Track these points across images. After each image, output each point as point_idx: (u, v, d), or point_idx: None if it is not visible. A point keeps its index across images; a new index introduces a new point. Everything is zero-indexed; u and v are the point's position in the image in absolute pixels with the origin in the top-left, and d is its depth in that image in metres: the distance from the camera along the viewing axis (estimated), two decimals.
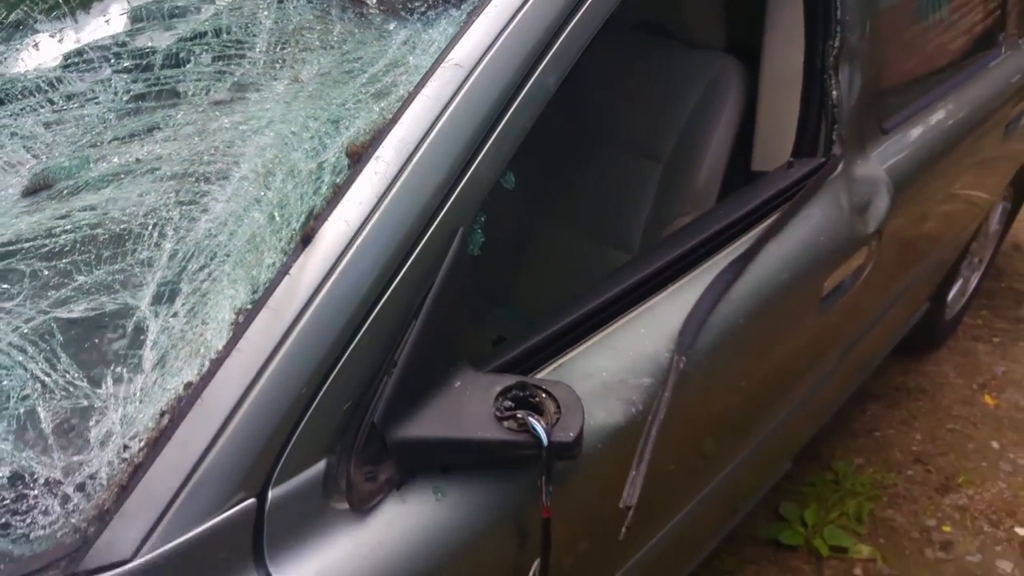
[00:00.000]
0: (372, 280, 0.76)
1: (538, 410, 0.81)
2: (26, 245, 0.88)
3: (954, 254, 2.20)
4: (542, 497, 0.81)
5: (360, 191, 0.78)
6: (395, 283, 0.78)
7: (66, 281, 0.84)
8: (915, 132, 1.58)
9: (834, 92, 1.35)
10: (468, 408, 0.81)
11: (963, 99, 1.74)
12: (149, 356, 0.77)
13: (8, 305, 0.83)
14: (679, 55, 1.57)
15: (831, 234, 1.30)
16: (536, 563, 0.88)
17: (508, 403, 0.81)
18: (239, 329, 0.74)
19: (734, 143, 1.50)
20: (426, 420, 0.79)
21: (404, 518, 0.80)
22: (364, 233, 0.77)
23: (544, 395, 0.82)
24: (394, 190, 0.78)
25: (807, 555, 1.97)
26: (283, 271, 0.76)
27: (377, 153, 0.80)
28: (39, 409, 0.75)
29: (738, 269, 1.13)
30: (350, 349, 0.76)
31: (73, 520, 0.68)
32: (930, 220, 1.76)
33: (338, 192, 0.79)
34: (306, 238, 0.77)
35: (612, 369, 0.99)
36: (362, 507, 0.78)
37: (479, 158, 0.83)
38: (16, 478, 0.71)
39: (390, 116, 0.83)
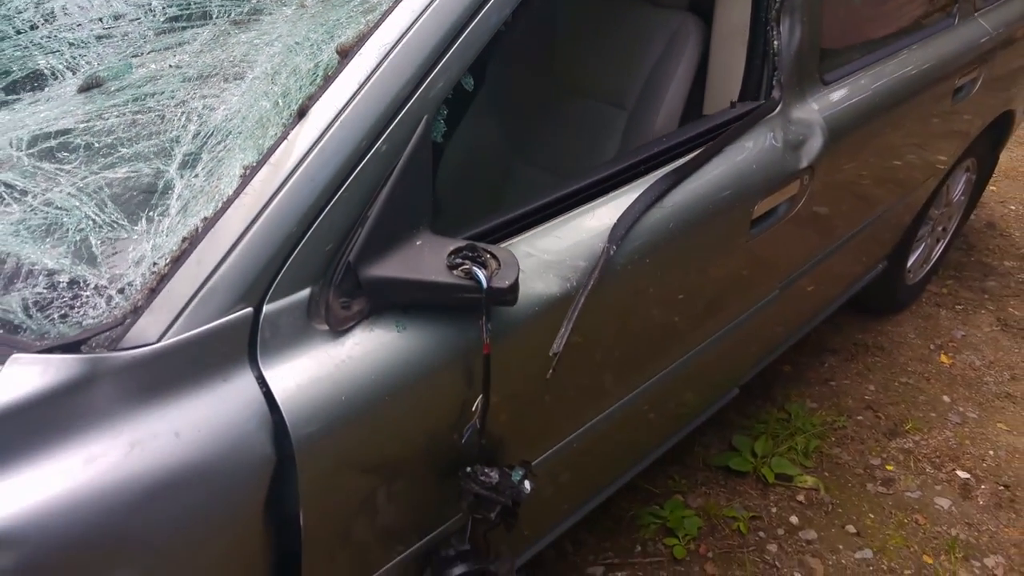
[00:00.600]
0: (352, 147, 0.97)
1: (483, 266, 1.01)
2: (83, 126, 1.10)
3: (907, 216, 2.37)
4: (482, 334, 1.02)
5: (346, 79, 0.99)
6: (371, 153, 0.98)
7: (113, 151, 1.06)
8: (855, 86, 1.76)
9: (775, 42, 1.55)
10: (425, 259, 1.01)
11: (907, 61, 1.92)
12: (175, 204, 0.98)
13: (70, 167, 1.04)
14: (645, 13, 1.77)
15: (763, 163, 1.50)
16: (479, 399, 1.08)
17: (458, 260, 1.02)
18: (245, 180, 0.95)
19: (690, 91, 1.69)
20: (391, 264, 0.99)
21: (370, 342, 1.00)
22: (347, 111, 0.97)
23: (488, 255, 1.03)
24: (373, 79, 0.99)
25: (755, 482, 2.16)
26: (282, 138, 0.97)
27: (361, 51, 1.01)
28: (91, 238, 0.96)
29: (673, 181, 1.33)
30: (333, 201, 0.96)
31: (115, 313, 0.89)
32: (869, 171, 1.94)
33: (328, 80, 1.00)
34: (301, 112, 0.98)
35: (553, 251, 1.19)
36: (337, 329, 0.99)
37: (444, 59, 1.03)
38: (73, 283, 0.92)
39: (373, 24, 1.03)
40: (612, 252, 1.22)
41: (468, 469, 1.13)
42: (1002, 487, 2.20)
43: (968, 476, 2.24)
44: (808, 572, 1.91)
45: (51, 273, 0.93)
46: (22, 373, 0.81)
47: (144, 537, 0.84)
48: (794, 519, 2.05)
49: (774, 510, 2.08)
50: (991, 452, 2.33)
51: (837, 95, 1.73)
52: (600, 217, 1.27)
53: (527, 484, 1.15)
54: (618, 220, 1.25)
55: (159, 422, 0.86)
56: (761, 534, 2.00)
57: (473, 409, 1.09)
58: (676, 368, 1.57)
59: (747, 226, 1.51)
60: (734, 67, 1.62)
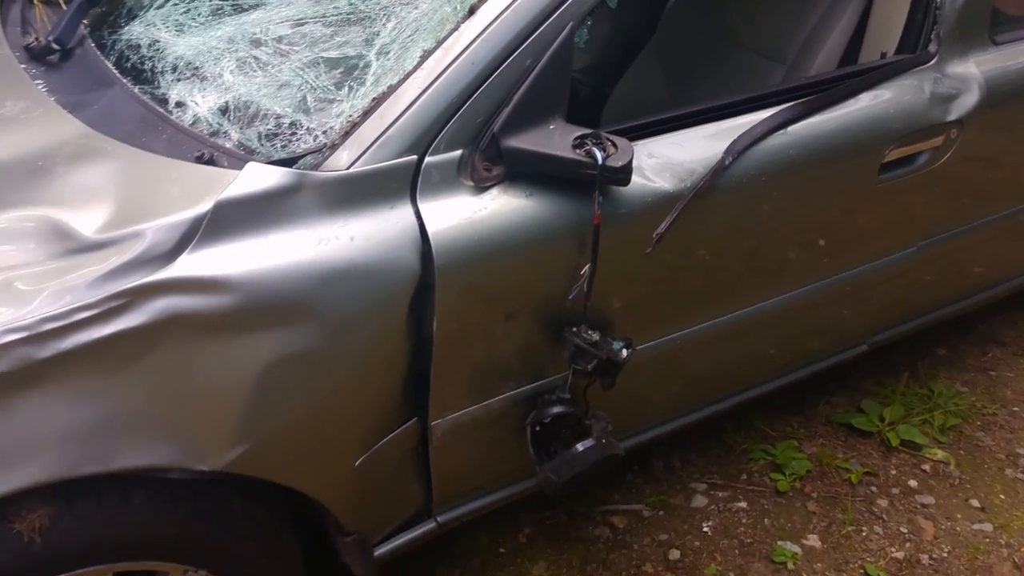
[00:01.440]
0: (508, 41, 1.21)
1: (602, 149, 1.22)
2: (311, 20, 1.43)
3: None
4: (594, 206, 1.23)
5: None
6: (522, 47, 1.22)
7: (329, 38, 1.38)
8: None
9: None
10: (555, 139, 1.24)
11: None
12: (370, 77, 1.28)
13: (297, 48, 1.38)
14: None
15: (903, 110, 1.56)
16: (588, 266, 1.29)
17: (582, 142, 1.23)
18: (422, 60, 1.22)
19: (848, 46, 1.77)
20: (526, 138, 1.23)
21: (503, 201, 1.25)
22: (508, 11, 1.22)
23: (609, 142, 1.23)
24: None
25: (878, 444, 2.17)
26: (454, 29, 1.23)
27: None
28: (308, 97, 1.28)
29: (799, 111, 1.45)
30: (487, 82, 1.21)
31: (318, 146, 1.20)
32: None
33: None
34: (472, 10, 1.23)
35: (674, 157, 1.37)
36: (479, 186, 1.24)
37: None
38: (292, 124, 1.25)
39: None
40: (727, 163, 1.37)
41: (573, 328, 1.35)
42: None
43: None
44: (917, 530, 1.93)
45: (278, 117, 1.26)
46: (255, 175, 1.13)
47: (322, 308, 1.15)
48: (913, 483, 2.06)
49: (893, 472, 2.10)
50: None
51: (1007, 57, 1.73)
52: (722, 136, 1.42)
53: (624, 351, 1.35)
54: (739, 137, 1.40)
55: (342, 228, 1.16)
56: (873, 488, 2.04)
57: (581, 273, 1.30)
58: (790, 299, 1.67)
59: (875, 170, 1.58)
60: (895, 21, 1.68)
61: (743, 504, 1.97)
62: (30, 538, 1.10)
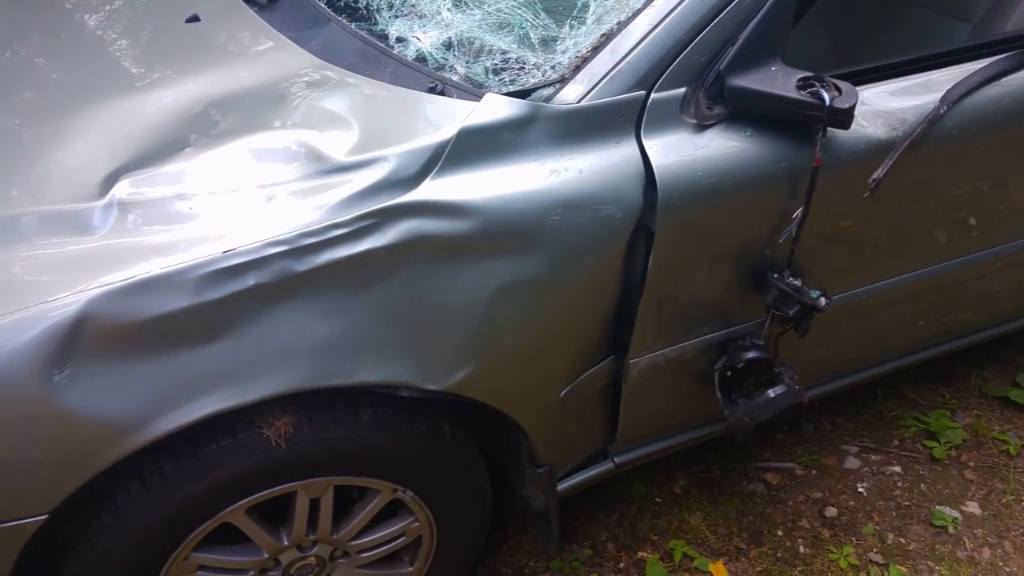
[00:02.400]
0: None
1: (828, 91, 1.21)
2: None
3: None
4: (816, 148, 1.22)
5: None
6: None
7: None
8: None
9: None
10: (778, 80, 1.23)
11: None
12: (591, 15, 1.29)
13: None
14: None
15: None
16: (800, 210, 1.29)
17: (806, 83, 1.22)
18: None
19: None
20: (751, 78, 1.23)
21: (724, 140, 1.25)
22: None
23: (832, 85, 1.22)
24: None
25: None
26: None
27: None
28: (530, 34, 1.31)
29: (1018, 61, 1.41)
30: (715, 21, 1.21)
31: (549, 81, 1.23)
32: None
33: None
34: None
35: (886, 105, 1.35)
36: (701, 124, 1.25)
37: None
38: (519, 60, 1.28)
39: None
40: (942, 111, 1.35)
41: (776, 273, 1.35)
42: None
43: None
44: None
45: (503, 52, 1.29)
46: (494, 105, 1.16)
47: (549, 238, 1.18)
48: (1009, 431, 2.01)
49: (982, 419, 2.05)
50: None
51: None
52: (933, 87, 1.40)
53: (822, 299, 1.34)
54: (954, 85, 1.37)
55: (570, 161, 1.19)
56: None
57: (793, 217, 1.30)
58: (968, 263, 1.63)
59: None
60: None
61: (897, 468, 1.95)
62: (276, 443, 1.17)
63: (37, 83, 1.41)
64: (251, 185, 1.13)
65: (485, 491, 1.45)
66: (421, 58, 1.33)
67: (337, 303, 1.12)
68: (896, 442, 2.02)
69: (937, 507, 1.86)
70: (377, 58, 1.35)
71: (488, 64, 1.28)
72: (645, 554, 1.75)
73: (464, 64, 1.29)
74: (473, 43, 1.32)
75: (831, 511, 1.84)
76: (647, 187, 1.21)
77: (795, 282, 1.34)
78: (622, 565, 1.74)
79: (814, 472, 1.94)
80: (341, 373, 1.15)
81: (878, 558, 1.74)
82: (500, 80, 1.26)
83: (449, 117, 1.17)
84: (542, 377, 1.31)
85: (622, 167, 1.21)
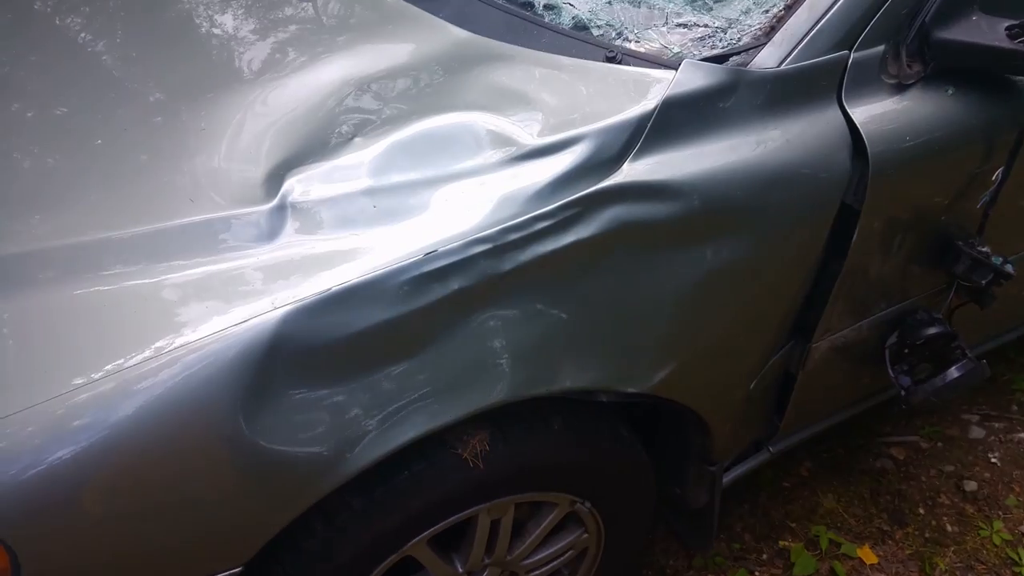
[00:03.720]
0: None
1: None
2: None
3: None
4: None
5: None
6: None
7: None
8: None
9: None
10: (983, 29, 1.12)
11: None
12: None
13: None
14: None
15: None
16: (1000, 170, 1.20)
17: (1015, 32, 1.12)
18: None
19: None
20: (957, 30, 1.12)
21: (924, 99, 1.15)
22: None
23: None
24: None
25: None
26: None
27: None
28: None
29: None
30: None
31: (742, 46, 1.10)
32: None
33: None
34: None
35: None
36: (901, 82, 1.14)
37: None
38: (700, 25, 1.15)
39: None
40: None
41: (965, 242, 1.26)
42: None
43: None
44: None
45: (678, 15, 1.17)
46: (692, 72, 1.04)
47: (758, 216, 1.07)
48: None
49: None
50: None
51: None
52: None
53: (1008, 266, 1.26)
54: None
55: (775, 130, 1.07)
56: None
57: (993, 179, 1.20)
58: None
59: None
60: None
61: (1023, 435, 1.90)
62: (473, 464, 1.05)
63: (159, 82, 1.24)
64: (438, 176, 0.99)
65: (652, 494, 1.35)
66: (580, 26, 1.19)
67: (541, 304, 1.00)
68: (1015, 407, 1.96)
69: None
70: (529, 29, 1.20)
71: (663, 29, 1.16)
72: (786, 543, 1.67)
73: (635, 31, 1.16)
74: (639, 6, 1.19)
75: (970, 485, 1.77)
76: (856, 154, 1.10)
77: (985, 249, 1.25)
78: (765, 556, 1.65)
79: (939, 444, 1.87)
80: (544, 381, 1.03)
81: None
82: (683, 47, 1.13)
83: (642, 89, 1.05)
84: (737, 370, 1.21)
85: (829, 135, 1.09)
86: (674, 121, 1.03)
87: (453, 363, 0.97)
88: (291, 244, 0.94)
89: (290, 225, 0.95)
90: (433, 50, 1.16)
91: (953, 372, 1.31)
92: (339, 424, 0.91)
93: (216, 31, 1.33)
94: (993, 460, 1.83)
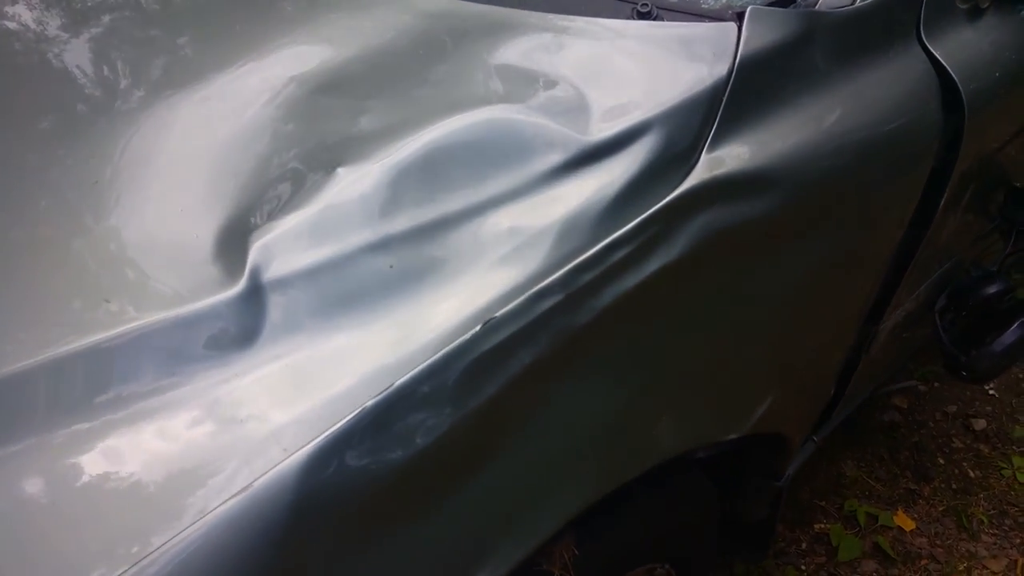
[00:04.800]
0: None
1: None
2: None
3: None
4: None
5: None
6: None
7: None
8: None
9: None
10: None
11: None
12: None
13: None
14: None
15: None
16: None
17: None
18: None
19: None
20: None
21: (1002, 24, 0.98)
22: None
23: None
24: None
25: None
26: None
27: None
28: None
29: None
30: None
31: None
32: None
33: None
34: None
35: None
36: (977, 6, 0.95)
37: None
38: None
39: None
40: None
41: None
42: None
43: None
44: None
45: None
46: (761, 22, 0.79)
47: (857, 188, 0.85)
48: None
49: None
50: None
51: None
52: None
53: None
54: None
55: (859, 82, 0.85)
56: None
57: None
58: None
59: None
60: None
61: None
62: None
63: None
64: (468, 207, 0.70)
65: (717, 527, 1.15)
66: None
67: (628, 357, 0.74)
68: None
69: None
70: None
71: None
72: (822, 525, 1.53)
73: None
74: None
75: (979, 423, 1.70)
76: (947, 98, 0.90)
77: None
78: (804, 545, 1.51)
79: (936, 384, 1.79)
80: (639, 459, 0.78)
81: None
82: None
83: (699, 51, 0.79)
84: (823, 376, 1.01)
85: (917, 79, 0.89)
86: (751, 89, 0.78)
87: (530, 465, 0.70)
88: (280, 347, 0.62)
89: (273, 317, 0.63)
90: (408, 26, 0.84)
91: (1018, 327, 1.17)
92: None
93: (83, 37, 0.94)
94: (991, 392, 1.77)
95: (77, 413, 0.58)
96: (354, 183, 0.70)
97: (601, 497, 0.75)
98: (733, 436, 0.86)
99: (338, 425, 0.57)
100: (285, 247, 0.66)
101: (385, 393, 0.59)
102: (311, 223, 0.67)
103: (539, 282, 0.66)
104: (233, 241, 0.67)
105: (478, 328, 0.63)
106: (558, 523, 0.72)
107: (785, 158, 0.78)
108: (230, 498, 0.54)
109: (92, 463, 0.56)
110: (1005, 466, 1.61)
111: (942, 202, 0.95)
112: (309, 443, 0.56)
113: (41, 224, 0.71)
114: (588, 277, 0.68)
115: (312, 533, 0.56)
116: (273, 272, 0.65)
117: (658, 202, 0.71)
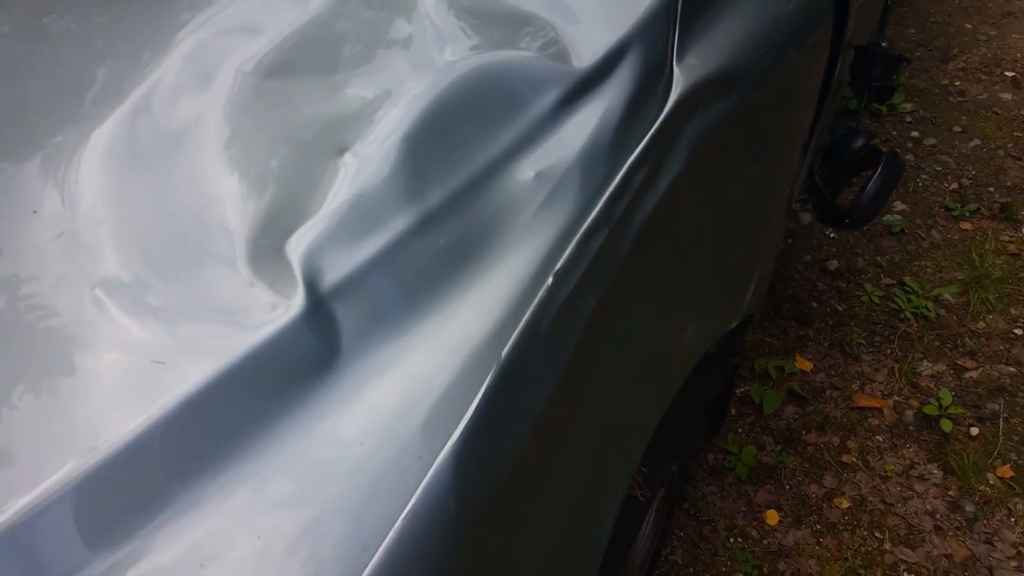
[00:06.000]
0: None
1: None
2: None
3: None
4: None
5: None
6: None
7: None
8: None
9: None
10: None
11: None
12: None
13: None
14: None
15: None
16: None
17: None
18: None
19: None
20: None
21: None
22: None
23: None
24: None
25: (868, 116, 2.42)
26: None
27: None
28: None
29: None
30: None
31: None
32: None
33: None
34: None
35: None
36: None
37: None
38: None
39: None
40: None
41: (878, 41, 1.25)
42: None
43: (1013, 74, 2.61)
44: (943, 164, 2.23)
45: None
46: None
47: (799, 62, 0.93)
48: (915, 134, 2.35)
49: (895, 132, 2.37)
50: (1019, 54, 2.71)
51: None
52: None
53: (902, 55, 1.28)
54: None
55: None
56: (897, 149, 2.29)
57: None
58: None
59: None
60: None
61: None
62: (642, 496, 0.82)
63: None
64: (492, 160, 0.68)
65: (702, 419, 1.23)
66: None
67: (663, 271, 0.77)
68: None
69: (884, 217, 2.06)
70: None
71: None
72: (742, 389, 1.69)
73: None
74: None
75: (832, 264, 1.94)
76: None
77: (886, 44, 1.26)
78: (733, 412, 1.66)
79: (790, 241, 2.01)
80: (684, 366, 0.83)
81: (888, 279, 1.90)
82: None
83: None
84: (775, 251, 1.09)
85: None
86: None
87: (618, 397, 0.72)
88: (368, 358, 0.58)
89: (347, 328, 0.58)
90: None
91: (881, 172, 1.34)
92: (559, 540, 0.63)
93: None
94: (832, 236, 2.02)
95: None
96: (371, 166, 0.65)
97: (664, 412, 0.78)
98: (735, 324, 0.93)
99: (466, 417, 0.55)
100: (330, 249, 0.60)
101: (496, 370, 0.57)
102: (347, 218, 0.62)
103: (582, 223, 0.66)
104: (265, 255, 0.60)
105: (550, 280, 0.62)
106: (642, 446, 0.75)
107: (739, 56, 0.83)
108: (398, 521, 0.51)
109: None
110: (862, 294, 1.86)
111: (836, 72, 1.05)
112: (444, 445, 0.54)
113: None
114: (621, 206, 0.69)
115: (472, 524, 0.55)
116: (330, 279, 0.59)
117: (655, 120, 0.74)
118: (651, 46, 0.76)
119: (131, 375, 0.54)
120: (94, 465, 0.49)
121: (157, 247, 0.61)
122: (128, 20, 0.77)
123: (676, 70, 0.77)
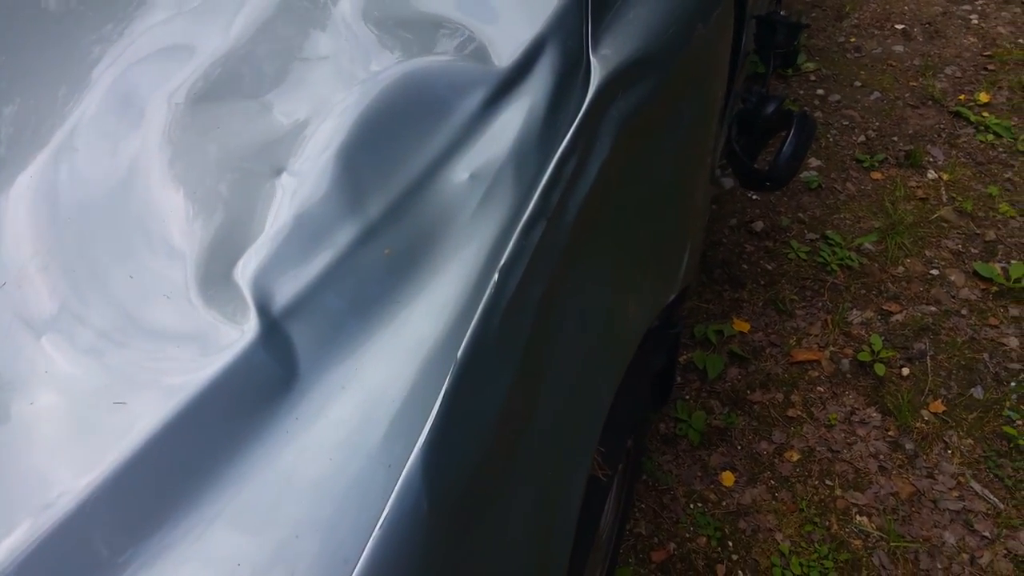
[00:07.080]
0: None
1: None
2: None
3: None
4: None
5: None
6: None
7: None
8: None
9: None
10: None
11: None
12: None
13: None
14: None
15: None
16: None
17: None
18: None
19: None
20: None
21: None
22: None
23: None
24: None
25: (775, 77, 2.50)
26: None
27: None
28: None
29: None
30: None
31: None
32: None
33: None
34: None
35: None
36: None
37: None
38: None
39: None
40: None
41: (775, 10, 1.29)
42: (926, 24, 2.72)
43: (903, 26, 2.73)
44: (850, 119, 2.33)
45: None
46: None
47: (709, 37, 0.95)
48: (820, 91, 2.44)
49: (801, 91, 2.45)
50: (906, 7, 2.83)
51: None
52: None
53: (804, 19, 1.33)
54: None
55: None
56: (806, 108, 2.37)
57: None
58: None
59: None
60: None
61: None
62: (603, 476, 0.84)
63: None
64: (429, 162, 0.67)
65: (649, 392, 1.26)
66: None
67: (602, 253, 0.79)
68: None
69: (802, 174, 2.14)
70: None
71: None
72: (685, 357, 1.73)
73: None
74: None
75: (758, 225, 2.00)
76: None
77: (784, 12, 1.30)
78: (679, 379, 1.70)
79: (715, 207, 2.06)
80: (631, 342, 0.84)
81: (812, 234, 1.97)
82: None
83: None
84: (704, 220, 1.12)
85: None
86: None
87: (574, 378, 0.73)
88: (329, 374, 0.57)
89: (303, 346, 0.57)
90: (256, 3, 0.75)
91: (795, 133, 1.39)
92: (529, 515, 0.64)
93: None
94: (755, 198, 2.08)
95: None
96: (309, 184, 0.63)
97: (615, 390, 0.80)
98: (672, 297, 0.95)
99: (429, 421, 0.55)
100: (278, 271, 0.59)
101: (453, 371, 0.57)
102: (290, 237, 0.61)
103: (521, 216, 0.67)
104: (214, 284, 0.58)
105: (496, 277, 0.63)
106: (599, 425, 0.76)
107: (651, 40, 0.84)
108: (376, 530, 0.51)
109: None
110: (789, 251, 1.93)
111: (743, 42, 1.08)
112: (411, 451, 0.54)
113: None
114: (556, 196, 0.70)
115: (448, 523, 0.55)
116: (280, 301, 0.58)
117: (578, 110, 0.74)
118: (566, 40, 0.77)
119: (91, 420, 0.52)
120: (55, 521, 0.48)
121: (105, 289, 0.59)
122: (35, 57, 0.74)
123: (593, 60, 0.78)
